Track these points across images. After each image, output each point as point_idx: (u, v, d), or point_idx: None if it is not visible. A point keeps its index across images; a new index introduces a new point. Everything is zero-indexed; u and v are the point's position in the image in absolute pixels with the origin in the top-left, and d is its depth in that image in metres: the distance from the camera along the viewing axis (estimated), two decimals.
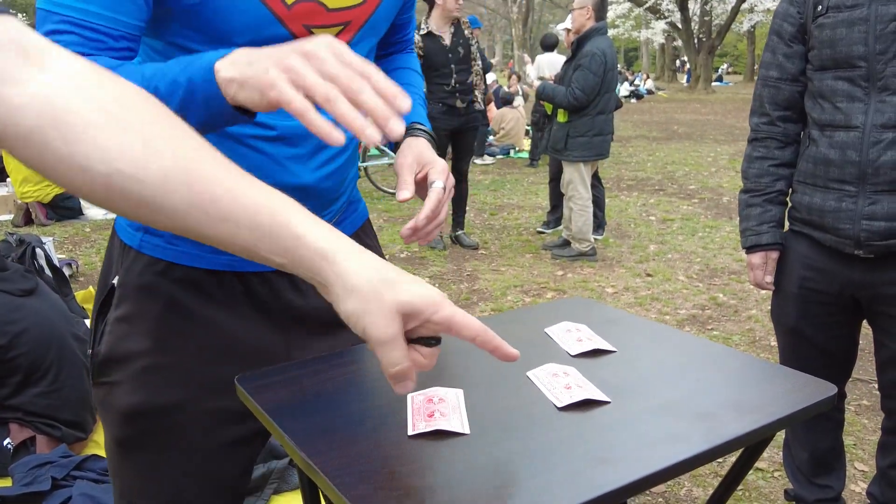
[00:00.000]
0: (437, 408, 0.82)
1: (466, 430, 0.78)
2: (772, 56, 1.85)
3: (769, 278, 1.93)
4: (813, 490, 2.12)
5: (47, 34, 0.82)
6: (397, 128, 0.71)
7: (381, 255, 1.26)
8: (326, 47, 0.75)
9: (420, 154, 1.08)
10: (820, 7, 1.71)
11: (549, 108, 5.09)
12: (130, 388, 1.04)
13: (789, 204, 1.92)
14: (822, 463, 2.09)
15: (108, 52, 0.85)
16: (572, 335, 1.04)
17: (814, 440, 2.07)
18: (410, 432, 0.78)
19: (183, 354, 1.04)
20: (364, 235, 1.27)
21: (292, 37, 0.94)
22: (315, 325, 1.12)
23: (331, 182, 1.10)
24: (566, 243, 5.32)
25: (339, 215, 1.19)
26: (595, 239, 5.51)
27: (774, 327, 2.03)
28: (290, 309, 1.10)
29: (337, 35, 0.99)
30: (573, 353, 0.99)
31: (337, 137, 0.71)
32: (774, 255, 1.92)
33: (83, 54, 0.76)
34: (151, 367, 1.04)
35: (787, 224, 1.94)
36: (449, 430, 0.78)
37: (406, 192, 1.01)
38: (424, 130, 1.13)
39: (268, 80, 0.74)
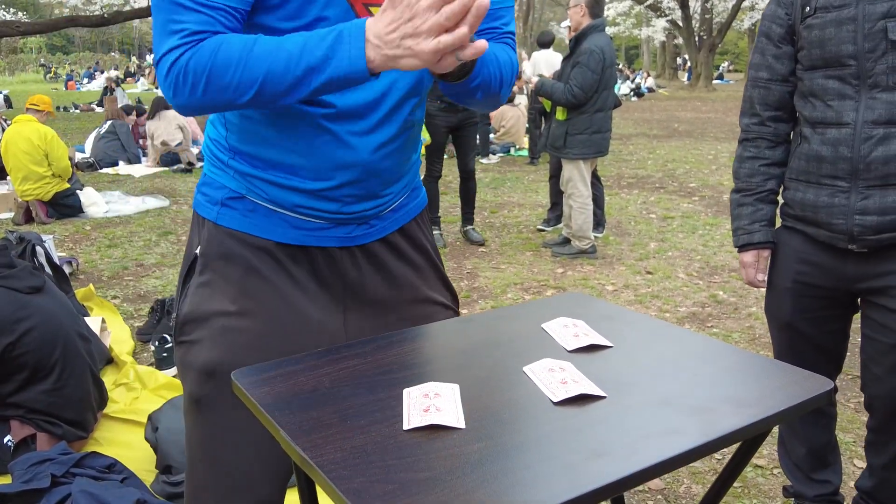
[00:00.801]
0: (433, 402, 0.82)
1: (462, 425, 0.78)
2: (761, 57, 1.87)
3: (761, 276, 1.96)
4: (812, 486, 2.12)
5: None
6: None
7: (433, 243, 1.33)
8: None
9: None
10: (808, 8, 1.73)
11: (547, 105, 5.08)
12: (210, 346, 1.11)
13: (781, 202, 1.93)
14: (818, 458, 2.10)
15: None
16: (569, 330, 1.04)
17: (810, 435, 2.08)
18: (406, 427, 0.78)
19: (259, 319, 1.11)
20: (421, 223, 1.32)
21: (353, 12, 1.03)
22: (368, 304, 1.19)
23: (390, 162, 1.16)
24: (566, 241, 5.32)
25: (400, 199, 1.25)
26: (595, 237, 5.51)
27: (768, 322, 2.05)
28: (349, 285, 1.18)
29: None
30: (570, 349, 0.99)
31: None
32: (766, 253, 1.94)
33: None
34: (230, 328, 1.11)
35: (779, 220, 1.95)
36: (444, 425, 0.78)
37: None
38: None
39: (422, 51, 0.86)
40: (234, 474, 1.12)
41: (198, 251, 1.17)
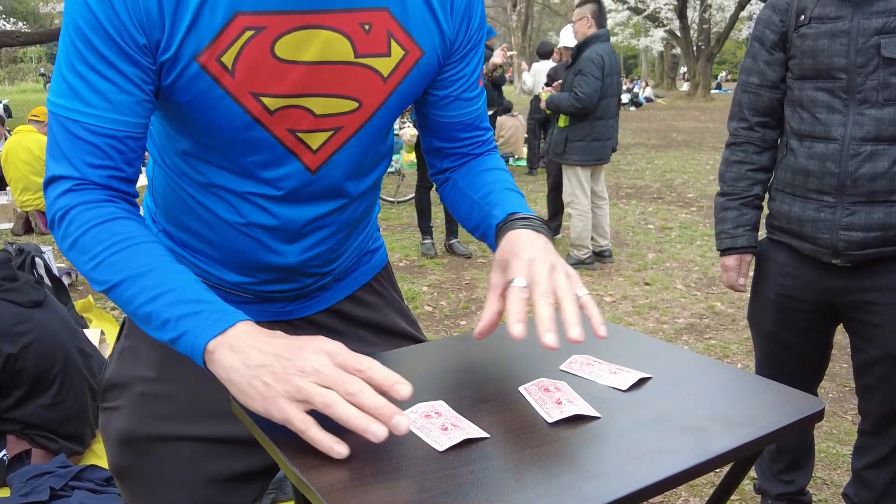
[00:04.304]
0: (443, 421, 0.82)
1: (486, 434, 0.80)
2: (752, 62, 1.88)
3: (742, 280, 1.98)
4: (777, 484, 2.17)
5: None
6: (399, 425, 0.73)
7: (395, 301, 1.25)
8: (317, 355, 0.76)
9: (507, 256, 0.94)
10: (802, 17, 1.73)
11: (563, 121, 5.10)
12: (127, 413, 1.06)
13: (765, 209, 1.95)
14: (790, 458, 2.14)
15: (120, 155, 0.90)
16: (551, 395, 0.89)
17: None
18: (442, 449, 0.77)
19: (184, 384, 1.05)
20: (378, 285, 1.24)
21: (275, 140, 0.95)
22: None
23: (324, 255, 1.09)
24: (579, 261, 5.27)
25: (349, 265, 1.17)
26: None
27: (751, 330, 2.08)
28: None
29: (328, 139, 0.98)
30: (551, 421, 0.85)
31: (339, 450, 0.73)
32: (748, 257, 1.97)
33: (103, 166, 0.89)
34: (150, 394, 1.05)
35: (763, 231, 1.97)
36: (475, 438, 0.80)
37: (487, 323, 0.94)
38: (524, 218, 0.99)
39: (272, 399, 0.75)
40: None
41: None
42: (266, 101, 0.91)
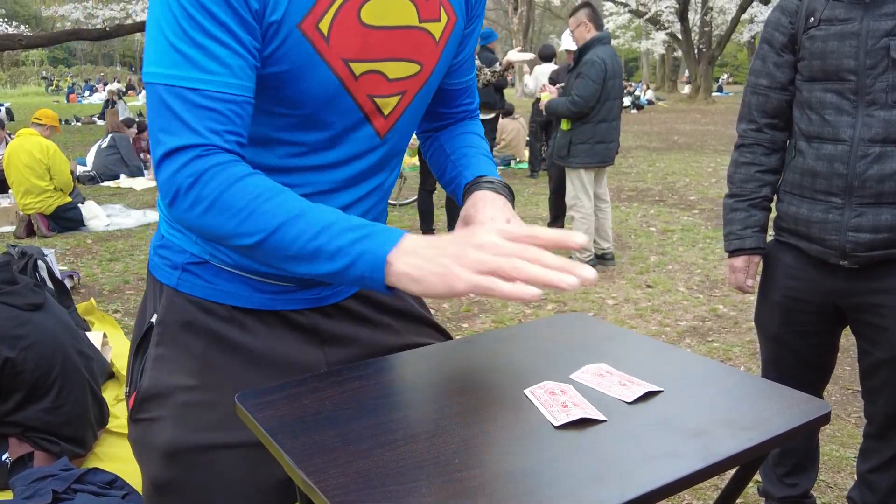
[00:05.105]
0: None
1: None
2: (762, 64, 1.88)
3: (750, 282, 1.97)
4: (781, 487, 2.16)
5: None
6: (588, 273, 0.79)
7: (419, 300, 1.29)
8: (493, 233, 0.82)
9: (470, 212, 1.07)
10: (812, 19, 1.73)
11: (565, 125, 5.11)
12: (172, 424, 1.02)
13: (773, 211, 1.94)
14: (795, 462, 2.13)
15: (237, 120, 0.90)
16: (556, 399, 0.91)
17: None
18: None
19: (224, 391, 1.03)
20: None
21: (356, 105, 1.00)
22: (349, 344, 1.15)
23: None
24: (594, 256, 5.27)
25: None
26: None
27: (757, 332, 2.07)
28: (325, 336, 1.13)
29: (396, 104, 1.04)
30: (557, 424, 0.85)
31: (532, 292, 0.77)
32: (756, 259, 1.96)
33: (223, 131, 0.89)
34: (194, 403, 1.03)
35: (771, 233, 1.97)
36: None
37: None
38: (489, 181, 1.12)
39: (454, 274, 0.79)
40: None
41: (153, 319, 1.09)
42: (354, 66, 0.96)
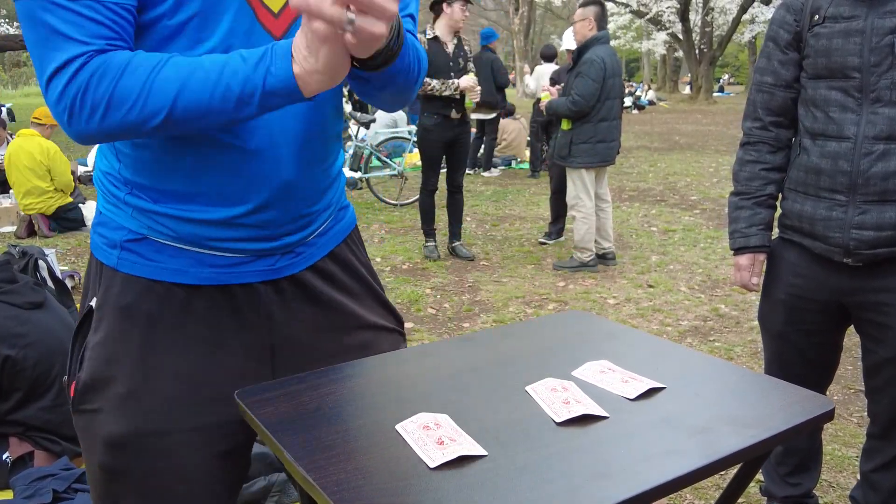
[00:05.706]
0: (440, 434, 0.81)
1: (484, 452, 0.77)
2: (767, 62, 1.87)
3: (755, 280, 1.97)
4: (783, 487, 2.15)
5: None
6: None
7: (367, 264, 1.24)
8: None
9: None
10: (817, 16, 1.73)
11: (565, 124, 5.11)
12: (114, 417, 1.02)
13: (779, 209, 1.94)
14: (798, 461, 2.12)
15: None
16: (558, 395, 0.91)
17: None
18: (433, 465, 0.75)
19: (165, 377, 1.01)
20: (352, 244, 1.22)
21: (248, 5, 0.93)
22: (300, 341, 1.10)
23: (308, 173, 1.06)
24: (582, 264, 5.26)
25: (327, 220, 1.15)
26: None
27: (761, 331, 2.07)
28: (276, 324, 1.07)
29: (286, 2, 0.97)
30: (559, 420, 0.86)
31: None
32: (762, 257, 1.96)
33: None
34: (133, 393, 1.01)
35: (776, 230, 1.96)
36: (470, 455, 0.77)
37: None
38: None
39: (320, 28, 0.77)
40: None
41: (93, 303, 1.05)
42: None
